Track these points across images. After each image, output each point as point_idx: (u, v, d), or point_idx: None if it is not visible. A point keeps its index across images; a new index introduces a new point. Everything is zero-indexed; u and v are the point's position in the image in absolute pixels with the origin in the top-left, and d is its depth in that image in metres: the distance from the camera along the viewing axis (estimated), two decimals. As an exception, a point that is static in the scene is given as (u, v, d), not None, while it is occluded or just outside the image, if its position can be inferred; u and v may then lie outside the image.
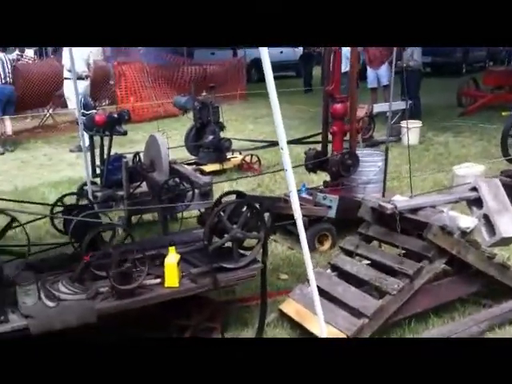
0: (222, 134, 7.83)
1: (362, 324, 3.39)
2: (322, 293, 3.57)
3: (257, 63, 15.62)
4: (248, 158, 7.91)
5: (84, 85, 9.64)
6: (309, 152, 5.77)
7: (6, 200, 4.05)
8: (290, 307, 3.80)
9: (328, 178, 5.76)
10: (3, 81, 9.76)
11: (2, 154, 9.63)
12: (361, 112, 8.41)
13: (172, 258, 3.42)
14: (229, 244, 3.64)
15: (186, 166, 5.68)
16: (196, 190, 4.30)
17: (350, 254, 4.06)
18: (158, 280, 3.43)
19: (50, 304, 3.16)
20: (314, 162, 5.61)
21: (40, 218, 4.31)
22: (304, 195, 5.52)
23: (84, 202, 4.90)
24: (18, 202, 4.40)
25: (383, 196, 5.28)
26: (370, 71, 11.11)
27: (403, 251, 3.79)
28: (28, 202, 4.87)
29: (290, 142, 7.65)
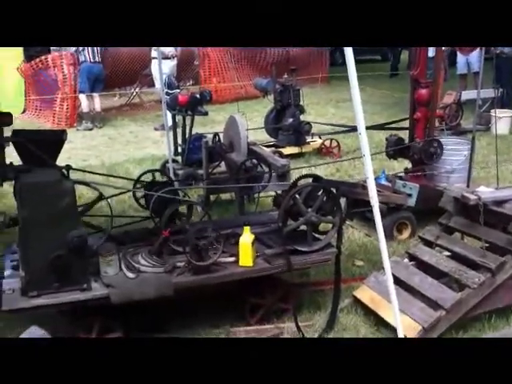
0: (303, 118, 7.77)
1: (439, 316, 3.29)
2: (399, 282, 3.50)
3: (341, 46, 15.18)
4: (327, 143, 7.82)
5: (171, 65, 9.87)
6: (390, 138, 5.62)
7: (93, 173, 4.23)
8: (365, 294, 3.75)
9: (410, 166, 5.60)
10: (92, 60, 10.10)
11: (91, 129, 10.06)
12: (448, 99, 8.09)
13: (247, 237, 3.46)
14: (303, 227, 3.63)
15: (264, 147, 5.70)
16: (273, 172, 4.31)
17: (429, 244, 3.94)
18: (233, 258, 3.50)
19: (130, 275, 3.29)
20: (396, 149, 5.47)
21: (123, 192, 4.47)
22: (383, 182, 5.40)
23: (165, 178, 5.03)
24: (104, 175, 4.57)
25: (468, 186, 5.06)
26: (460, 57, 10.66)
27: (486, 244, 3.63)
28: (113, 176, 5.09)
29: (371, 128, 7.51)
